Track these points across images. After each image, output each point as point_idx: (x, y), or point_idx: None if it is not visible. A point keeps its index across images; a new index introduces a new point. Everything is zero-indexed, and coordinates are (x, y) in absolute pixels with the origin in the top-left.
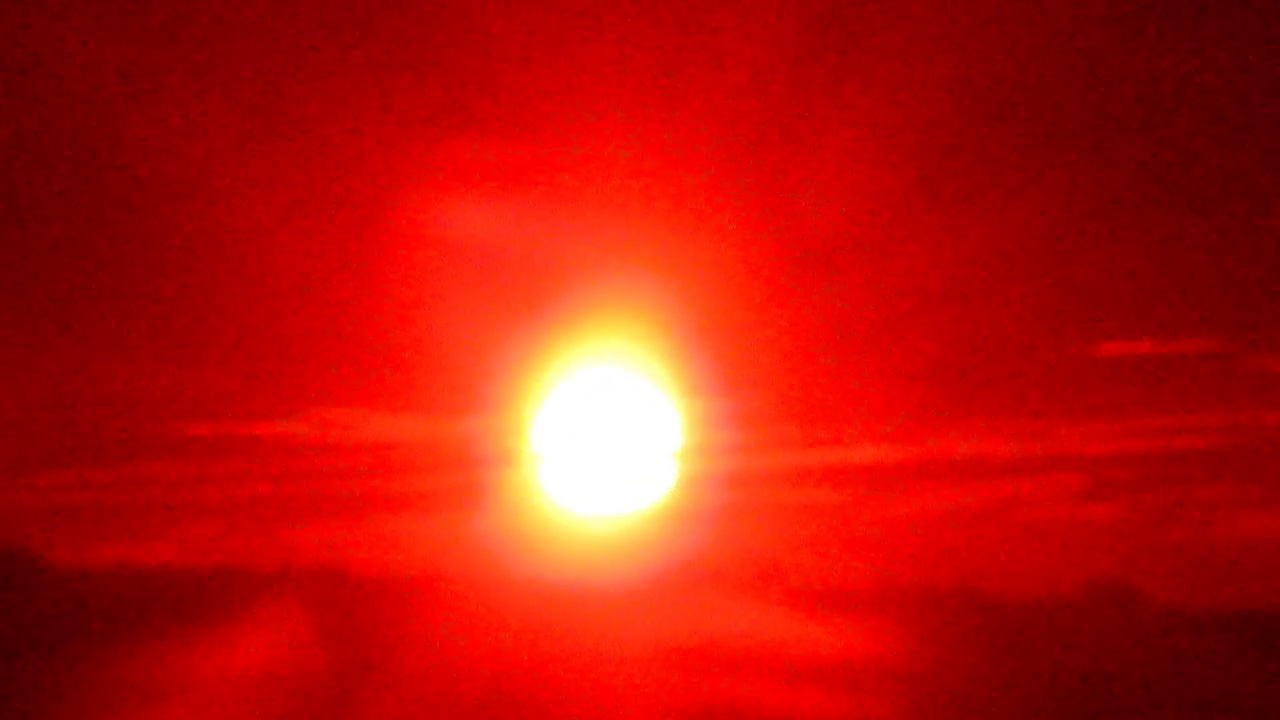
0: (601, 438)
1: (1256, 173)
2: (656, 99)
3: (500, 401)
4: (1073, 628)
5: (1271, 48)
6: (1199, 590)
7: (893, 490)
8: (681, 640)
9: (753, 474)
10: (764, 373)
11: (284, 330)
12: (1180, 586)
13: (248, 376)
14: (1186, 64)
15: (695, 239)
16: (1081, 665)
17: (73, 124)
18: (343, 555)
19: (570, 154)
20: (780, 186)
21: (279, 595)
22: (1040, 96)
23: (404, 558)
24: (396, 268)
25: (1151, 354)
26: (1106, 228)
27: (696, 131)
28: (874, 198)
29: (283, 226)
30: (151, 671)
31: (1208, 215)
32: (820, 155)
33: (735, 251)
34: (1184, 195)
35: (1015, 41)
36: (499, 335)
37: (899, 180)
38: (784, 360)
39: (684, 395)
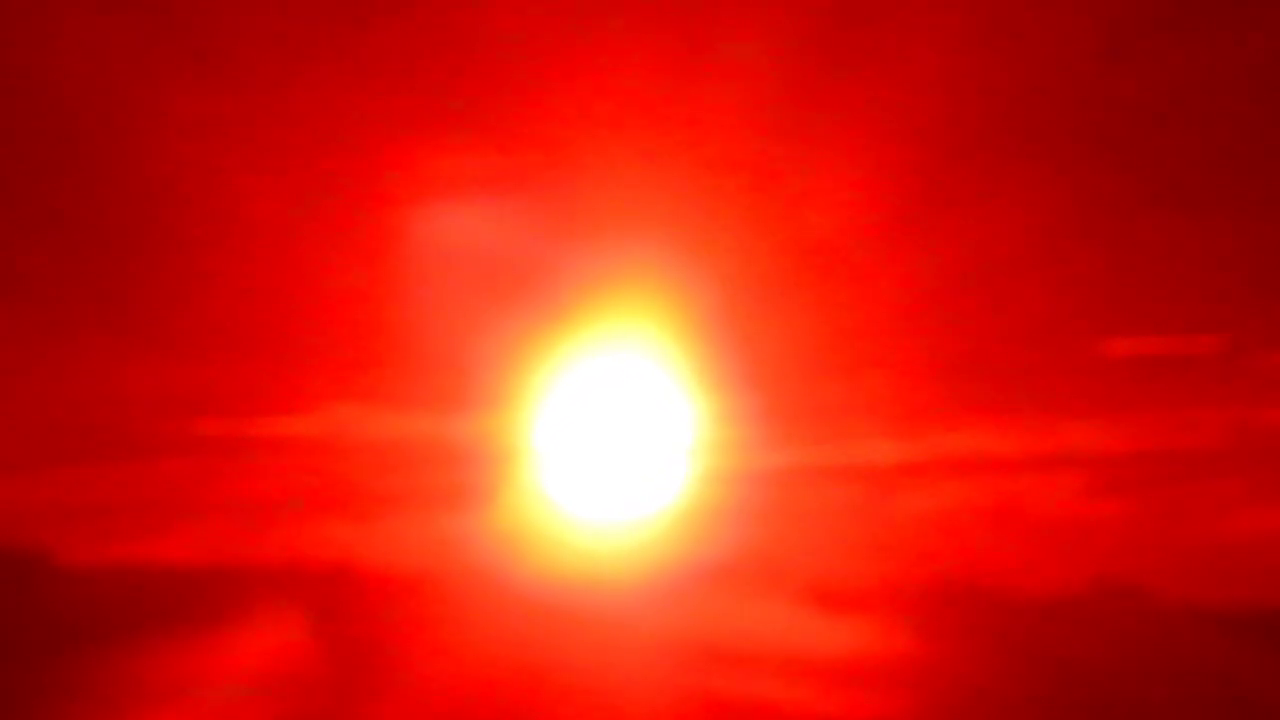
0: (609, 434)
1: (1268, 169)
2: (663, 87)
3: (505, 397)
4: (1082, 624)
5: None
6: (1209, 587)
7: (902, 487)
8: (692, 641)
9: (763, 471)
10: (774, 368)
11: (288, 327)
12: (1190, 583)
13: (252, 374)
14: (1200, 62)
15: (706, 231)
16: (1090, 662)
17: (74, 120)
18: (349, 554)
19: (578, 145)
20: (791, 179)
21: (284, 594)
22: (1050, 95)
23: (409, 557)
24: (401, 262)
25: (1161, 351)
26: (1118, 224)
27: (707, 124)
28: (884, 193)
29: (286, 222)
30: (156, 671)
31: (1225, 211)
32: (831, 149)
33: (747, 244)
34: (1203, 191)
35: (1023, 41)
36: (502, 327)
37: (909, 176)
38: (794, 356)
39: (695, 390)
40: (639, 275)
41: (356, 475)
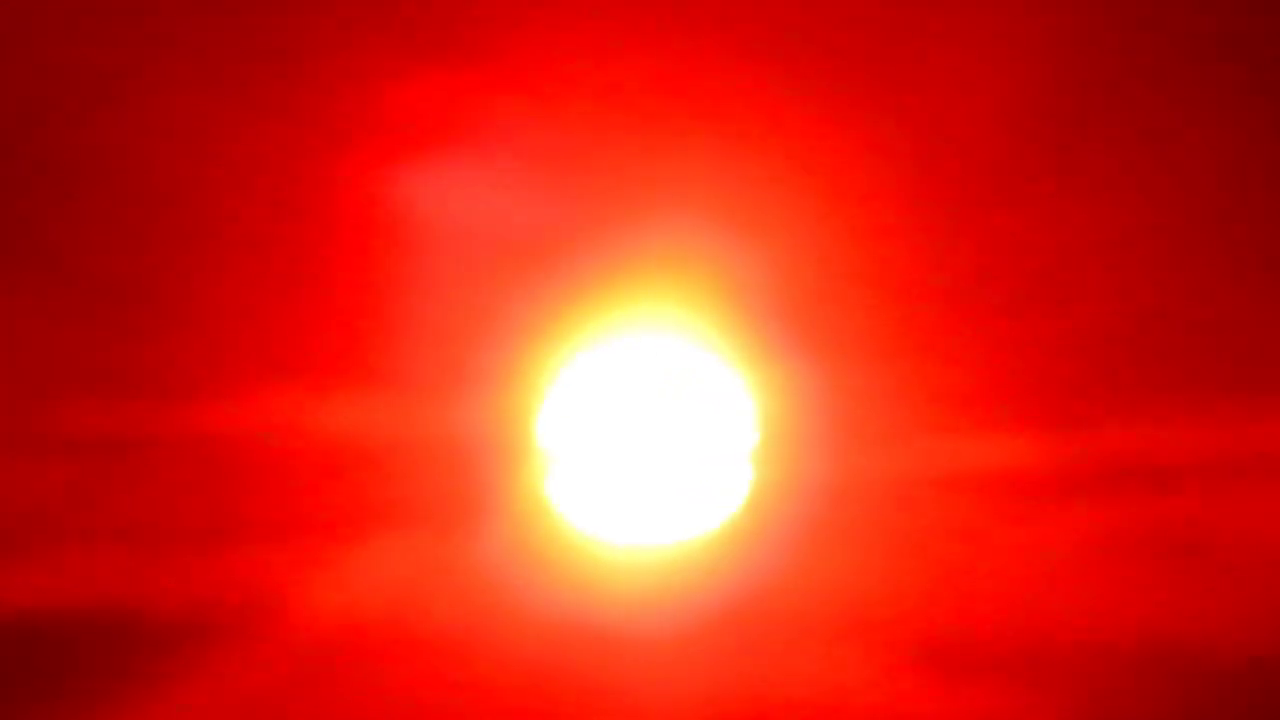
0: (639, 435)
1: None
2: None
3: (497, 382)
4: None
5: None
6: None
7: (1041, 505)
8: (745, 710)
9: (843, 484)
10: (867, 345)
11: (224, 293)
12: None
13: (190, 351)
14: None
15: (764, 164)
16: None
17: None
18: (283, 593)
19: (596, 78)
20: (891, 99)
21: (193, 648)
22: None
23: (368, 598)
24: (372, 221)
25: None
26: None
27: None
28: (1016, 119)
29: (234, 179)
30: None
31: None
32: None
33: (824, 182)
34: None
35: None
36: (497, 296)
37: (1049, 103)
38: (894, 329)
39: (755, 376)
40: (678, 246)
41: (299, 483)
